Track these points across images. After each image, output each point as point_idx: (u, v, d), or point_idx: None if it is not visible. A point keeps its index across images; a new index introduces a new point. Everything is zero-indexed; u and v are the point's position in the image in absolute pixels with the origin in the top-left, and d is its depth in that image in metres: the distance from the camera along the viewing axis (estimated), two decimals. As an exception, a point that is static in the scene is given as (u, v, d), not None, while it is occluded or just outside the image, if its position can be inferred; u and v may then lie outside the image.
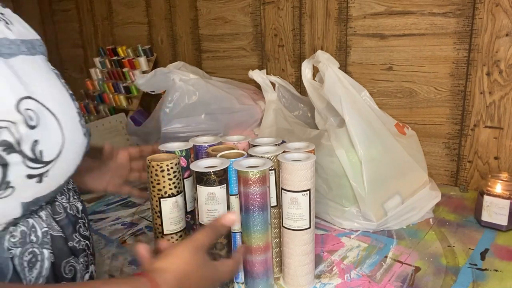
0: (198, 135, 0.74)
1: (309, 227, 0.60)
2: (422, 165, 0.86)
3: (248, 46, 1.29)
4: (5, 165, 0.35)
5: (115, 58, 1.61)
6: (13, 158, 0.35)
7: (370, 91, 0.88)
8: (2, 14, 0.43)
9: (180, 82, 1.01)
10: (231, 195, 0.60)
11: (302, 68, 0.93)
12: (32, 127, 0.37)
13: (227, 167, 0.57)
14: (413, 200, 0.80)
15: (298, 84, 1.19)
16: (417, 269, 0.66)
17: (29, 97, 0.38)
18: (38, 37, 0.47)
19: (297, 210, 0.59)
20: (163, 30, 1.54)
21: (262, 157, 0.60)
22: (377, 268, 0.66)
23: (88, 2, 1.85)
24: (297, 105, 1.09)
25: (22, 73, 0.39)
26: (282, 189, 0.59)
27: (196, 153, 0.68)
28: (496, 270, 0.65)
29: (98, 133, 1.30)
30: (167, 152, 0.64)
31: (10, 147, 0.35)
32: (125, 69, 1.56)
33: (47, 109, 0.40)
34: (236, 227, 0.61)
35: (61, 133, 0.41)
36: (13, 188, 0.36)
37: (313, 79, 0.94)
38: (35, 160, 0.37)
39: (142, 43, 1.61)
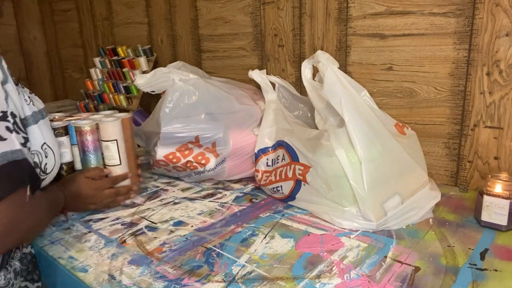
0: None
1: (120, 164, 0.92)
2: (422, 165, 0.86)
3: (248, 46, 1.29)
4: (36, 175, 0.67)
5: (115, 58, 1.61)
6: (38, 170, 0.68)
7: (370, 91, 0.88)
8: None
9: (180, 82, 1.01)
10: (72, 144, 0.91)
11: (302, 68, 0.93)
12: (46, 157, 0.71)
13: (67, 125, 0.90)
14: (413, 200, 0.80)
15: (298, 84, 1.19)
16: (417, 269, 0.66)
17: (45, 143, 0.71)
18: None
19: (109, 153, 0.91)
20: (163, 30, 1.54)
21: (92, 119, 0.93)
22: (377, 268, 0.66)
23: (88, 2, 1.85)
24: (297, 105, 1.09)
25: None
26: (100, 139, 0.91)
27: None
28: (496, 270, 0.65)
29: (98, 133, 1.30)
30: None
31: (36, 166, 0.68)
32: (125, 69, 1.56)
33: (50, 148, 0.72)
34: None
35: (54, 160, 0.73)
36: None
37: (313, 79, 0.94)
38: (43, 172, 0.71)
39: (142, 43, 1.61)
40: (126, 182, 0.94)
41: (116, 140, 0.90)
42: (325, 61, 0.84)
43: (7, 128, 0.58)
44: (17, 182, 0.59)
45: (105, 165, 0.93)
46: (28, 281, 0.72)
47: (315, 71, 0.92)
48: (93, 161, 0.91)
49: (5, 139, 0.58)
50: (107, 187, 0.90)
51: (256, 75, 1.04)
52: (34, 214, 0.64)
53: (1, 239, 0.57)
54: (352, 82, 0.86)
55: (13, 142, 0.59)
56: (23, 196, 0.60)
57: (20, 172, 0.60)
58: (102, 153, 0.92)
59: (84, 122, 0.91)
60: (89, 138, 0.89)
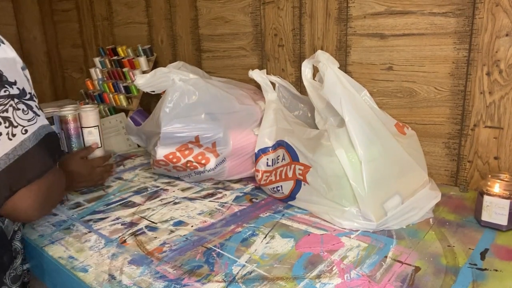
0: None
1: (101, 146, 1.06)
2: (422, 165, 0.86)
3: (248, 46, 1.29)
4: None
5: (115, 58, 1.61)
6: None
7: (370, 91, 0.88)
8: None
9: (180, 82, 1.01)
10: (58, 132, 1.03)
11: (302, 67, 0.93)
12: None
13: (51, 116, 1.03)
14: (413, 200, 0.80)
15: (298, 84, 1.19)
16: (417, 269, 0.66)
17: None
18: None
19: (92, 137, 1.05)
20: (163, 30, 1.54)
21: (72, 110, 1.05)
22: (377, 268, 0.66)
23: (88, 2, 1.85)
24: (297, 105, 1.09)
25: None
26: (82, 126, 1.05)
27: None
28: (496, 270, 0.65)
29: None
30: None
31: None
32: (125, 69, 1.56)
33: None
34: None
35: None
36: None
37: (313, 79, 0.94)
38: None
39: (142, 43, 1.61)
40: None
41: (97, 126, 1.05)
42: (325, 61, 0.84)
43: (36, 106, 0.66)
44: (55, 153, 0.67)
45: None
46: (24, 259, 0.77)
47: (315, 71, 0.92)
48: (75, 145, 1.04)
49: (39, 115, 0.65)
50: (98, 165, 1.01)
51: (256, 74, 1.04)
52: (63, 182, 0.74)
53: (45, 205, 0.66)
54: (352, 82, 0.86)
55: (44, 117, 0.66)
56: (57, 166, 0.69)
57: (56, 144, 0.68)
58: (83, 139, 1.05)
59: (67, 112, 1.03)
60: (72, 125, 1.02)
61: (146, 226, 0.84)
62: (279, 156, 0.95)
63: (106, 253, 0.74)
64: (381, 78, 1.04)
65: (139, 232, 0.81)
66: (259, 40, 1.26)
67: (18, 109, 0.61)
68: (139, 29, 1.64)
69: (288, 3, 1.16)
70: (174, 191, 1.03)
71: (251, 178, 1.07)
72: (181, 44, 1.50)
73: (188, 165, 1.02)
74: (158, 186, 1.06)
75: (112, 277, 0.66)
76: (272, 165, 0.96)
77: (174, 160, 1.02)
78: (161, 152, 1.02)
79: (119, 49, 1.62)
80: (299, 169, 0.88)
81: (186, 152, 1.01)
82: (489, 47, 0.88)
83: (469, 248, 0.71)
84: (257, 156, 0.99)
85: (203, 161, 1.02)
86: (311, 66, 0.92)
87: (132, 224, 0.85)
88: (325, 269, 0.66)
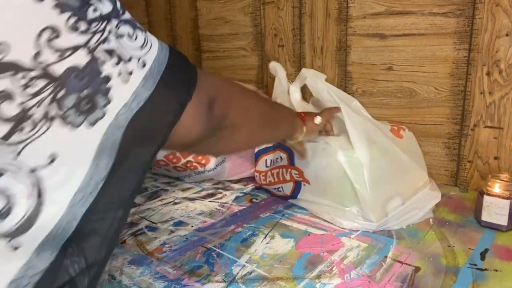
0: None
1: None
2: (422, 166, 0.86)
3: (248, 46, 1.29)
4: None
5: (115, 58, 1.61)
6: None
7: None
8: None
9: (180, 82, 1.01)
10: None
11: (290, 92, 0.94)
12: None
13: None
14: (413, 200, 0.80)
15: (298, 84, 1.19)
16: (417, 269, 0.66)
17: None
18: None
19: None
20: (163, 30, 1.54)
21: None
22: (377, 268, 0.66)
23: (88, 2, 1.85)
24: (297, 105, 1.09)
25: None
26: None
27: None
28: (496, 270, 0.65)
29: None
30: None
31: None
32: (125, 69, 1.55)
33: None
34: None
35: None
36: None
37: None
38: None
39: (142, 43, 1.61)
40: None
41: None
42: (312, 76, 0.87)
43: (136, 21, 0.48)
44: (189, 79, 0.49)
45: None
46: None
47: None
48: None
49: (146, 31, 0.46)
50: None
51: (279, 69, 0.99)
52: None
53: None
54: (342, 93, 0.88)
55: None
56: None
57: (185, 64, 0.51)
58: None
59: None
60: None
61: (146, 226, 0.84)
62: (277, 158, 0.95)
63: (106, 253, 0.74)
64: (381, 78, 1.04)
65: (139, 232, 0.81)
66: (259, 40, 1.26)
67: (122, 35, 0.40)
68: (139, 29, 1.64)
69: (288, 3, 1.16)
70: (174, 191, 1.03)
71: (251, 178, 1.07)
72: (181, 44, 1.50)
73: (188, 165, 1.02)
74: (158, 186, 1.06)
75: (112, 277, 0.66)
76: (270, 166, 0.96)
77: (174, 160, 1.02)
78: (161, 152, 1.02)
79: (119, 49, 1.62)
80: (295, 173, 0.88)
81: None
82: (489, 47, 0.88)
83: (469, 248, 0.71)
84: (257, 157, 0.99)
85: (203, 161, 1.02)
86: (299, 88, 0.94)
87: (132, 224, 0.85)
88: (325, 269, 0.66)
